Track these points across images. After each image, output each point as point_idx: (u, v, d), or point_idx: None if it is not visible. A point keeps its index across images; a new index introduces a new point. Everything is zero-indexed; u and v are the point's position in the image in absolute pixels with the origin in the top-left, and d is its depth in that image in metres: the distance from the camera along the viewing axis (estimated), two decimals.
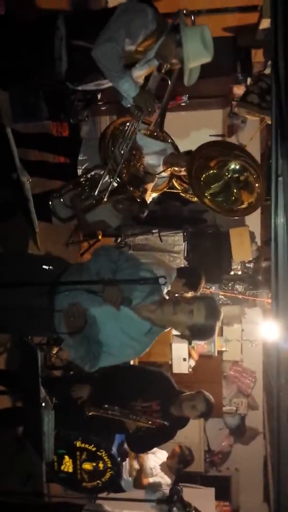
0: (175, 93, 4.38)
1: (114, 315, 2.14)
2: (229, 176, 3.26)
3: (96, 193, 3.11)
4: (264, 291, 5.61)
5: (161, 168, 3.51)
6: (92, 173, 3.18)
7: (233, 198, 3.35)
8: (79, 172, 3.39)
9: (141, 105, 2.81)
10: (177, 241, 5.11)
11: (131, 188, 3.11)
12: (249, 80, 4.10)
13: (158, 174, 3.42)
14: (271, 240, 3.04)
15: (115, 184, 3.11)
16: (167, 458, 4.09)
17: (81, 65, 2.69)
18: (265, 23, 3.66)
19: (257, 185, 3.30)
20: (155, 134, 3.52)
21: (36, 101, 3.64)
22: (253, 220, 5.61)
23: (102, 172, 3.15)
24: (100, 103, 3.52)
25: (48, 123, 4.13)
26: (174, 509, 2.38)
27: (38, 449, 2.15)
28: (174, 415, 3.09)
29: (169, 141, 3.61)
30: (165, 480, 3.84)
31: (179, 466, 3.99)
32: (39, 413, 2.02)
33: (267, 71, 4.53)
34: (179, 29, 2.61)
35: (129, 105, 3.00)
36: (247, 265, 5.82)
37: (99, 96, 3.51)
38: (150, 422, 2.93)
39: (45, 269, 2.25)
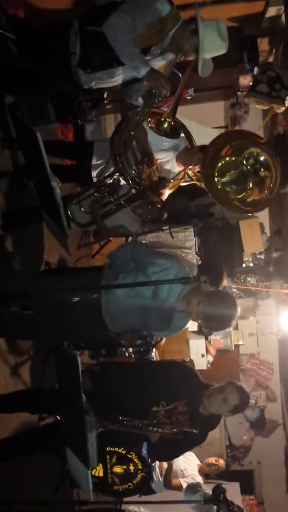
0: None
1: None
2: (248, 165, 3.09)
3: (115, 199, 3.06)
4: (277, 282, 5.57)
5: (175, 168, 3.43)
6: (111, 179, 3.11)
7: (244, 193, 3.16)
8: (94, 176, 3.33)
9: (151, 84, 2.71)
10: (187, 237, 5.04)
11: (151, 194, 3.03)
12: (256, 70, 4.04)
13: (173, 178, 3.34)
14: None
15: (134, 191, 3.04)
16: (205, 463, 4.04)
17: (93, 49, 2.65)
18: (272, 11, 3.62)
19: (268, 187, 3.11)
20: (165, 126, 3.41)
21: (43, 103, 3.59)
22: (261, 212, 5.56)
23: (119, 177, 3.09)
24: (106, 101, 3.44)
25: (55, 125, 4.06)
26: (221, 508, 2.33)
27: (82, 458, 2.10)
28: (203, 415, 2.68)
29: (181, 134, 3.52)
30: (198, 480, 3.80)
31: (211, 475, 3.95)
32: (84, 420, 1.98)
33: (271, 59, 4.48)
34: (194, 19, 2.64)
35: (135, 100, 2.92)
36: (258, 256, 5.78)
37: (105, 95, 3.42)
38: (175, 430, 2.52)
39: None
